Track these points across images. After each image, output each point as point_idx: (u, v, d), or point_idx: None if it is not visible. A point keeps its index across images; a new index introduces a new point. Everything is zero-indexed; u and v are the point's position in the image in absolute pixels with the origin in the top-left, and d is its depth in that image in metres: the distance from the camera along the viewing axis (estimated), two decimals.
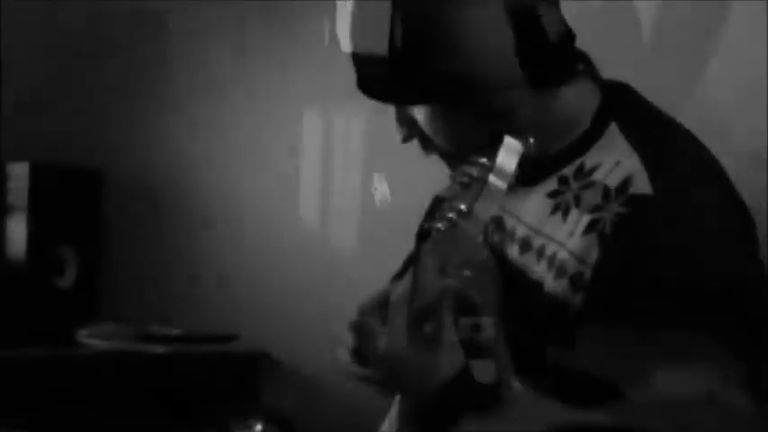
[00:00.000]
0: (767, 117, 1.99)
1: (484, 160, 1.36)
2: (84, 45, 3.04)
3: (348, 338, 1.64)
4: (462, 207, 1.35)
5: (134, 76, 2.98)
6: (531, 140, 1.38)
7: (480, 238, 1.36)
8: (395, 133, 1.61)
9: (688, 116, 1.57)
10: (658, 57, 2.15)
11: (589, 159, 1.52)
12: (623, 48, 2.15)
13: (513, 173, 1.36)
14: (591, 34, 1.59)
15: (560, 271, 1.47)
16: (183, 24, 2.92)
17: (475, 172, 1.36)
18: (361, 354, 1.62)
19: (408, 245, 1.60)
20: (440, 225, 1.36)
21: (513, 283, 1.53)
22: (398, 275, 1.72)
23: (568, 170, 1.53)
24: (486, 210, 1.35)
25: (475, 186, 1.35)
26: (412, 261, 1.46)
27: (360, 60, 1.56)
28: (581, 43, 1.57)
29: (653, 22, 2.17)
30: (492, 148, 1.36)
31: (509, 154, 1.36)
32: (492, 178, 1.35)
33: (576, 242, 1.47)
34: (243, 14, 2.82)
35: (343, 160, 2.68)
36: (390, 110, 1.61)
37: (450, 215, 1.35)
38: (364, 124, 2.28)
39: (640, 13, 2.17)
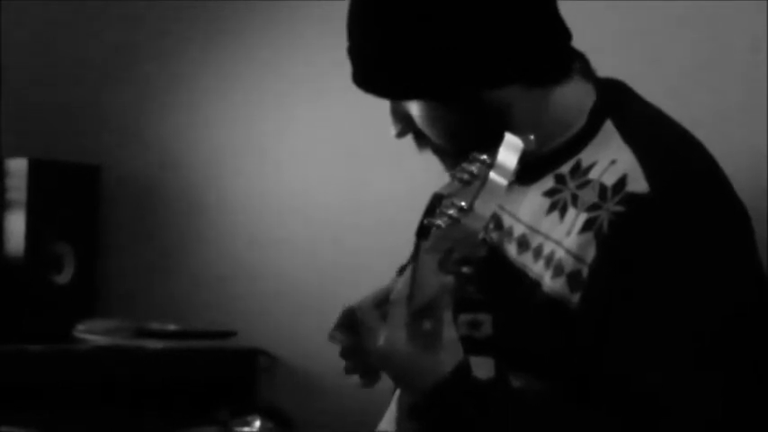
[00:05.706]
0: (767, 116, 1.99)
1: (484, 157, 1.36)
2: (85, 44, 3.05)
3: (338, 337, 1.64)
4: (463, 204, 1.34)
5: (134, 74, 2.98)
6: (532, 137, 1.38)
7: (481, 235, 1.35)
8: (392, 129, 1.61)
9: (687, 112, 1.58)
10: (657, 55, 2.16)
11: (585, 157, 1.52)
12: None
13: (514, 170, 1.35)
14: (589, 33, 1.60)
15: (558, 270, 1.47)
16: (183, 23, 2.92)
17: (475, 169, 1.35)
18: (349, 351, 1.63)
19: (409, 241, 1.60)
20: (440, 222, 1.36)
21: (512, 281, 1.54)
22: (402, 272, 1.72)
23: (565, 168, 1.53)
24: (486, 207, 1.34)
25: (475, 183, 1.35)
26: (412, 258, 1.46)
27: (355, 54, 1.57)
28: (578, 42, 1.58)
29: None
30: (492, 144, 1.36)
31: (510, 150, 1.35)
32: (492, 175, 1.35)
33: (573, 241, 1.47)
34: (245, 14, 2.82)
35: (343, 157, 2.68)
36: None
37: (451, 212, 1.35)
38: (364, 121, 2.28)
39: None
